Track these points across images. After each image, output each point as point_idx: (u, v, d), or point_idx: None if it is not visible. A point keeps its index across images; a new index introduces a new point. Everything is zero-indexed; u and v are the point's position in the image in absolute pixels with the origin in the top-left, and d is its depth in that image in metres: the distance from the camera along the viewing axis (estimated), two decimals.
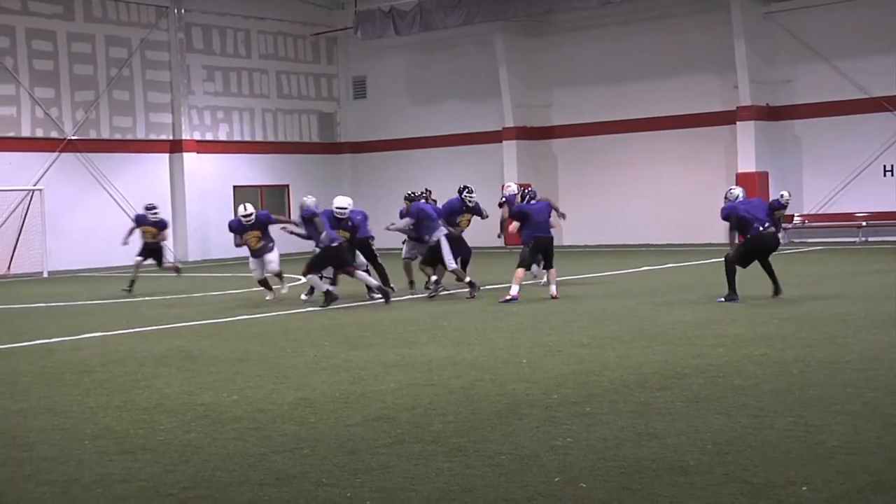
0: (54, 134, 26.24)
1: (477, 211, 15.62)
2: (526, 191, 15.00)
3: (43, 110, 26.01)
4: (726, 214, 13.06)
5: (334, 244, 14.25)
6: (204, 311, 14.30)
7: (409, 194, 15.70)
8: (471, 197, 15.55)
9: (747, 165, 25.71)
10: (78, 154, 26.50)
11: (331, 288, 14.30)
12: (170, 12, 28.41)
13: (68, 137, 26.33)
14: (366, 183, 31.99)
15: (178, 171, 28.46)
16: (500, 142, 29.36)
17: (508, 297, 13.66)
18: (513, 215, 14.59)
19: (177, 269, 19.38)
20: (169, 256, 20.28)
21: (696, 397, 7.11)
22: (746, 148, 25.77)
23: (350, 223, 14.76)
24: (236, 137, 30.06)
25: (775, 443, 5.77)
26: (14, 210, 25.12)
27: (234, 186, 29.11)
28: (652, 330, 10.63)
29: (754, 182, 25.29)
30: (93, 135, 27.00)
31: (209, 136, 29.40)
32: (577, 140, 28.80)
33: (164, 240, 18.14)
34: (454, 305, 14.03)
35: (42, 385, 8.63)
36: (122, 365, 9.55)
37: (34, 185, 25.21)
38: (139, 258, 17.72)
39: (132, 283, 17.32)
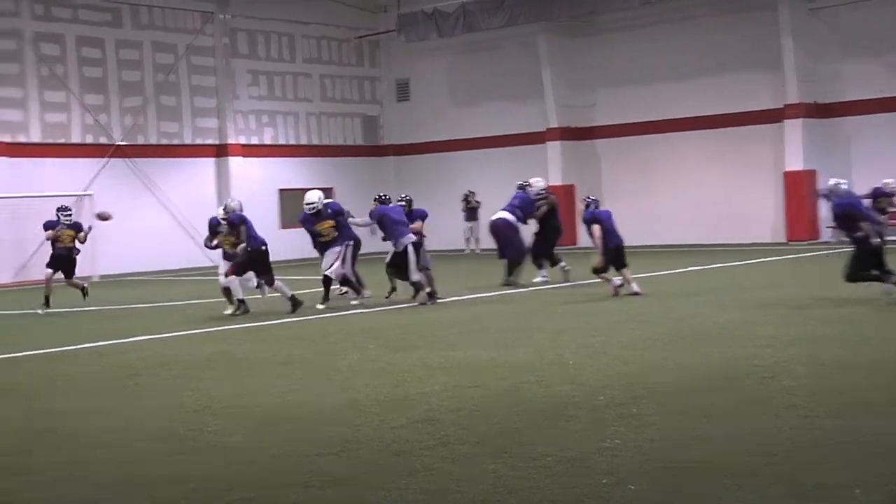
0: (103, 140, 26.59)
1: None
2: (589, 199, 15.02)
3: (92, 117, 26.38)
4: (845, 210, 12.12)
5: (263, 248, 14.15)
6: (244, 315, 14.24)
7: (378, 196, 14.98)
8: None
9: (795, 164, 25.41)
10: (126, 159, 26.83)
11: (244, 298, 13.92)
12: (215, 18, 28.69)
13: (117, 143, 26.67)
14: (410, 185, 31.98)
15: (224, 175, 28.70)
16: (544, 142, 29.27)
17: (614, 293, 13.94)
18: (587, 221, 14.55)
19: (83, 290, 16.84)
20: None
21: (744, 399, 7.04)
22: (794, 146, 25.46)
23: (329, 210, 14.47)
24: (281, 141, 30.27)
25: (825, 444, 5.70)
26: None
27: (280, 190, 29.30)
28: (699, 331, 10.53)
29: (802, 181, 24.98)
30: (140, 140, 27.33)
31: (254, 140, 29.63)
32: (620, 140, 28.63)
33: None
34: (495, 307, 14.01)
35: (93, 388, 8.75)
36: (167, 368, 9.65)
37: (84, 191, 25.54)
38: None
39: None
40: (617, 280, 14.37)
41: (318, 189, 15.84)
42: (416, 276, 14.25)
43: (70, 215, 16.54)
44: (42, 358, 10.89)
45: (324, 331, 12.11)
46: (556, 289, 15.98)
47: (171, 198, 27.40)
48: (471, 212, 29.24)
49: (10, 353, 11.15)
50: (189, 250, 27.62)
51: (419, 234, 14.62)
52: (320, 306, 14.34)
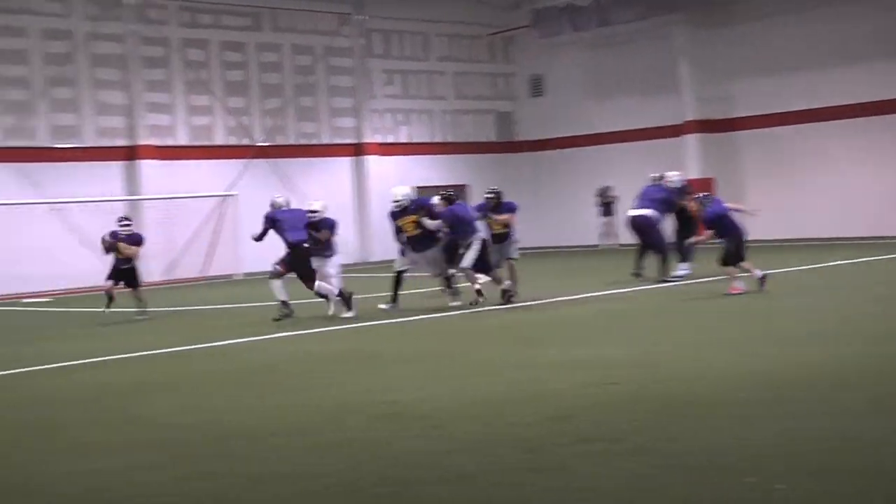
0: (245, 141, 27.36)
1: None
2: (702, 196, 14.69)
3: (235, 119, 27.17)
4: None
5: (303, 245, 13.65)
6: (381, 313, 14.12)
7: (445, 194, 14.36)
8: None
9: None
10: (267, 160, 27.53)
11: (286, 300, 13.50)
12: (351, 19, 29.16)
13: (258, 144, 27.40)
14: (545, 181, 31.91)
15: (361, 173, 29.15)
16: (681, 136, 28.67)
17: (736, 292, 13.36)
18: (709, 224, 14.13)
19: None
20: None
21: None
22: None
23: (412, 206, 14.05)
24: (416, 139, 30.55)
25: None
26: (209, 216, 26.32)
27: (415, 187, 29.54)
28: (852, 327, 10.12)
29: None
30: (280, 141, 28.01)
31: (390, 139, 29.99)
32: (762, 132, 27.77)
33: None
34: (625, 304, 13.78)
35: (226, 385, 8.97)
36: (299, 365, 9.84)
37: (227, 192, 26.34)
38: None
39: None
40: (757, 272, 13.86)
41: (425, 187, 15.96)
42: (468, 264, 13.81)
43: (128, 225, 15.52)
44: (183, 355, 11.25)
45: (457, 327, 12.15)
46: (689, 285, 15.62)
47: (310, 197, 27.95)
48: (606, 207, 28.91)
49: (151, 350, 11.56)
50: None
51: (507, 226, 14.64)
52: (455, 303, 14.23)
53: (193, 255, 25.79)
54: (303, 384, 8.71)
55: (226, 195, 26.28)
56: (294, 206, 15.32)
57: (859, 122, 25.98)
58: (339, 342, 11.35)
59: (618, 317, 12.22)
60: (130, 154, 25.32)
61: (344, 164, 29.14)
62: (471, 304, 13.79)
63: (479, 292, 13.83)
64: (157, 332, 13.55)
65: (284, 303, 13.57)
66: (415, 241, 14.12)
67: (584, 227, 29.41)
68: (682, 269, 16.47)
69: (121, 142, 25.22)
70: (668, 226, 17.15)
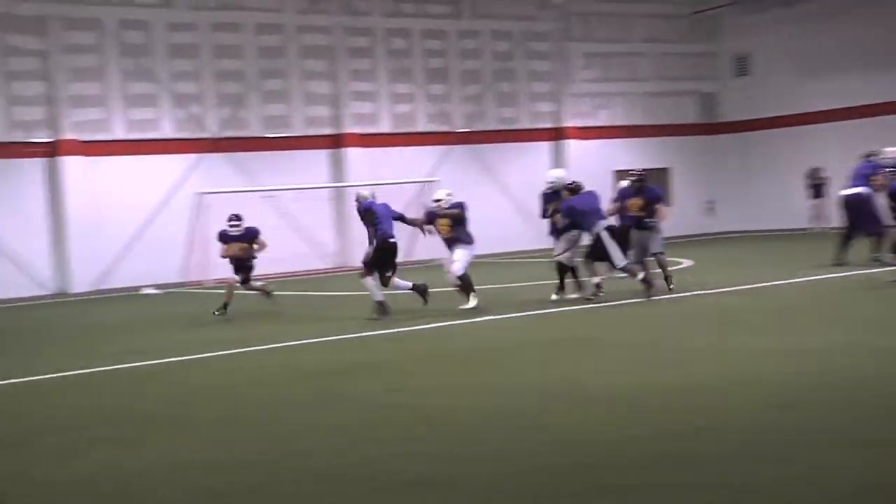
0: (445, 128, 27.74)
1: None
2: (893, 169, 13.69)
3: (436, 106, 27.59)
4: None
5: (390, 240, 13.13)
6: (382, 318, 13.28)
7: (568, 184, 13.64)
8: None
9: None
10: (467, 146, 27.82)
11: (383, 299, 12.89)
12: (550, 3, 29.04)
13: (458, 130, 27.73)
14: (750, 162, 30.86)
15: (561, 157, 29.01)
16: None
17: None
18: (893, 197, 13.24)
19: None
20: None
21: None
22: None
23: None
24: (615, 122, 30.15)
25: None
26: (411, 201, 26.82)
27: (615, 171, 29.18)
28: None
29: None
30: (480, 126, 28.24)
31: (589, 123, 29.72)
32: None
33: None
34: (851, 288, 13.12)
35: (442, 366, 9.11)
36: (503, 349, 9.88)
37: (429, 178, 26.80)
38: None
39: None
40: None
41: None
42: (621, 261, 13.04)
43: (238, 224, 14.57)
44: (412, 336, 11.51)
45: (662, 313, 11.93)
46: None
47: (509, 182, 28.10)
48: (816, 189, 27.67)
49: (361, 333, 11.88)
50: (525, 233, 28.25)
51: (647, 212, 13.64)
52: (554, 297, 13.50)
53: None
54: (511, 367, 8.75)
55: (427, 181, 26.76)
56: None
57: None
58: (550, 327, 11.35)
59: (838, 302, 11.66)
60: (336, 142, 26.18)
61: (543, 148, 29.11)
62: (588, 297, 13.11)
63: (598, 286, 13.15)
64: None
65: (381, 303, 12.91)
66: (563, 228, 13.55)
67: (793, 209, 28.27)
68: None
69: (327, 130, 26.10)
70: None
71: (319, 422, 6.94)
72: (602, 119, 29.99)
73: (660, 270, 13.81)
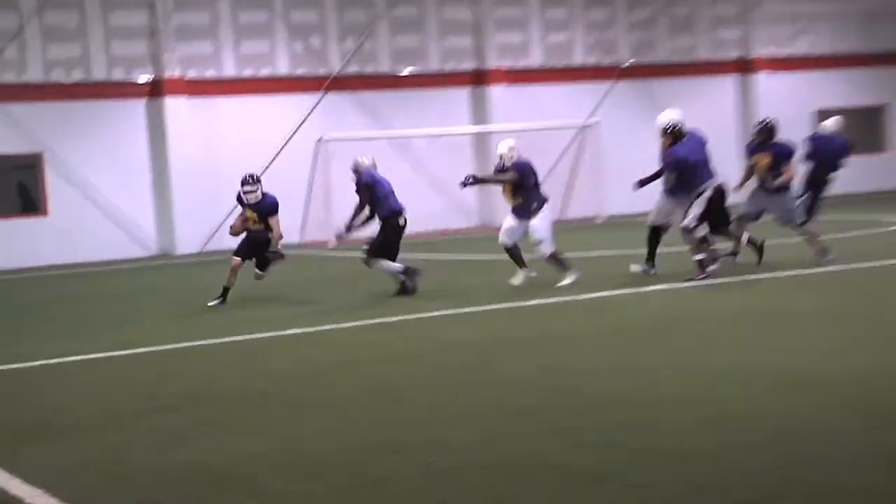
0: (608, 61, 27.45)
1: None
2: None
3: (596, 35, 27.29)
4: None
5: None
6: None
7: (669, 127, 12.77)
8: None
9: None
10: (634, 81, 27.49)
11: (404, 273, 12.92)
12: None
13: (623, 64, 27.41)
14: None
15: (749, 95, 28.41)
16: None
17: None
18: None
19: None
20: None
21: None
22: None
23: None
24: (819, 51, 29.26)
25: None
26: (567, 149, 26.74)
27: (818, 112, 28.40)
28: None
29: None
30: (649, 59, 27.84)
31: (786, 52, 28.95)
32: None
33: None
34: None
35: (613, 343, 9.13)
36: (696, 323, 9.81)
37: (588, 120, 26.61)
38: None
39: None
40: None
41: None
42: (693, 221, 12.51)
43: (254, 190, 13.24)
44: (566, 307, 11.55)
45: (854, 283, 11.71)
46: None
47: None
48: None
49: (515, 302, 11.97)
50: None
51: (779, 175, 13.15)
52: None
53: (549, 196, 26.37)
54: (694, 346, 8.68)
55: (586, 125, 26.59)
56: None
57: None
58: (736, 298, 11.21)
59: None
60: (478, 79, 26.23)
61: (726, 83, 28.58)
62: (687, 278, 12.51)
63: (700, 262, 12.55)
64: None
65: (406, 270, 13.02)
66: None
67: None
68: None
69: (467, 65, 26.16)
70: None
71: (462, 403, 7.05)
72: (802, 47, 29.15)
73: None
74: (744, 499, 4.85)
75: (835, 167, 14.61)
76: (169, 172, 23.18)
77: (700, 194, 12.55)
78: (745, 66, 28.55)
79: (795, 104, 28.32)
